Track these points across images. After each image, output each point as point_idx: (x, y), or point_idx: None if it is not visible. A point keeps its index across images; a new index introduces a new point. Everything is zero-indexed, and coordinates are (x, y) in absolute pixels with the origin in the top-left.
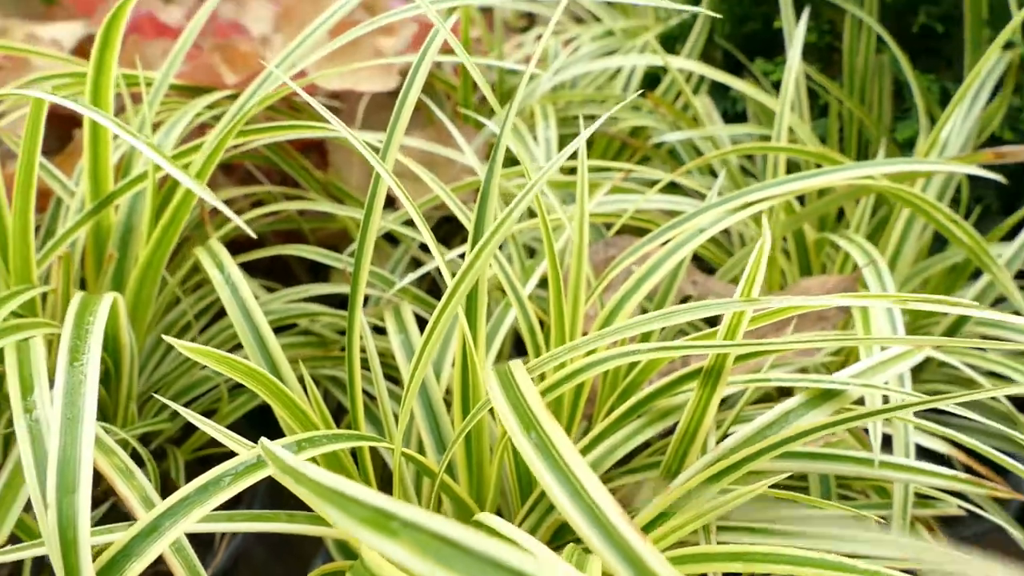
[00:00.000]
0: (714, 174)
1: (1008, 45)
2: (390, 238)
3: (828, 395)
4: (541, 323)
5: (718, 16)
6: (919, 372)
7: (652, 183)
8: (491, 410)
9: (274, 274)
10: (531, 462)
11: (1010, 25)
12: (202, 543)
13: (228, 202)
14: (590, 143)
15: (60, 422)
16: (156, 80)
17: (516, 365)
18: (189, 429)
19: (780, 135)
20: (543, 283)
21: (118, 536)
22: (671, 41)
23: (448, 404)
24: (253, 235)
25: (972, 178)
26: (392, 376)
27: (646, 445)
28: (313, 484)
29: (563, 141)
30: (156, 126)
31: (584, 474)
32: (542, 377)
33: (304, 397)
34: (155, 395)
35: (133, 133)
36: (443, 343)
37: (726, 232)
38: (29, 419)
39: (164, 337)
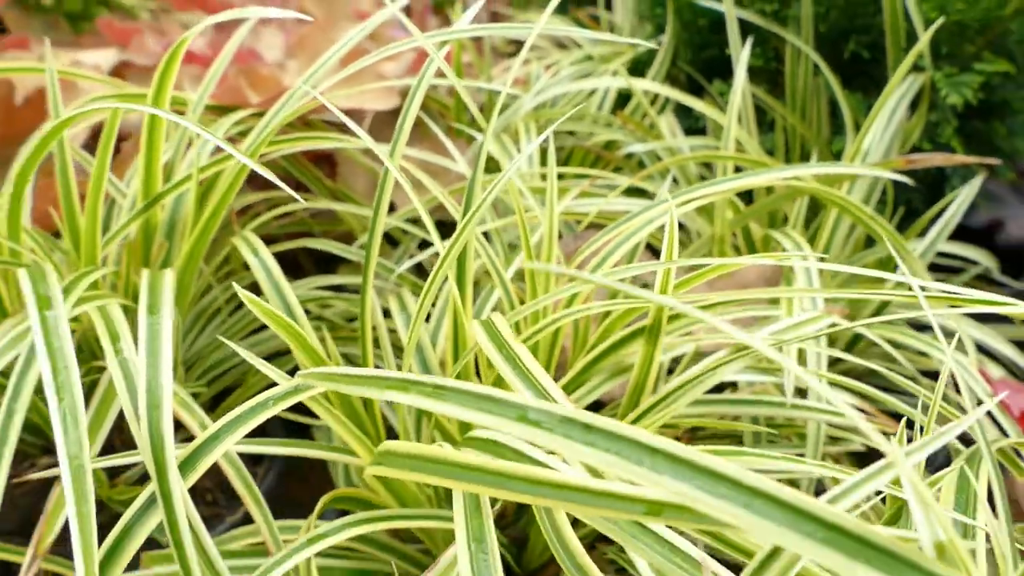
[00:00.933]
0: (676, 181)
1: (920, 69)
2: (390, 240)
3: (747, 350)
4: (521, 302)
5: (681, 44)
6: (851, 350)
7: (608, 186)
8: (476, 369)
9: (284, 270)
10: (506, 376)
11: (913, 51)
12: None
13: (249, 206)
14: (569, 154)
15: (145, 357)
16: (193, 100)
17: (497, 316)
18: (216, 401)
19: (728, 145)
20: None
21: (190, 446)
22: (640, 66)
23: (443, 366)
24: (281, 231)
25: (898, 184)
26: (400, 352)
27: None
28: (357, 378)
29: (544, 152)
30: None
31: (543, 378)
32: (518, 330)
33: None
34: (221, 338)
35: (221, 139)
36: (437, 322)
37: (684, 228)
38: (119, 358)
39: (240, 291)
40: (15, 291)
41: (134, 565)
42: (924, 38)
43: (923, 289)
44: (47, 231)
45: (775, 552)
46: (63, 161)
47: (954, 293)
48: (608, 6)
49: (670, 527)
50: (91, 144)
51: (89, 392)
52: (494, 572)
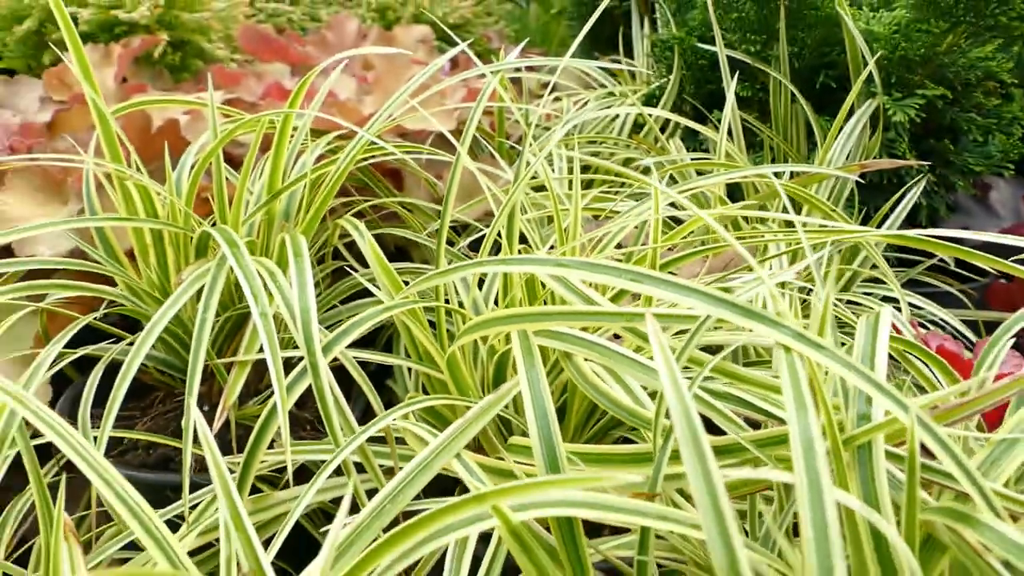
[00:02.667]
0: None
1: (874, 95)
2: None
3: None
4: None
5: (686, 81)
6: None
7: (632, 194)
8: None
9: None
10: (554, 287)
11: (859, 79)
12: None
13: (331, 210)
14: (595, 169)
15: (296, 281)
16: (300, 125)
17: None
18: None
19: (720, 155)
20: None
21: (326, 339)
22: (653, 100)
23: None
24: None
25: (863, 188)
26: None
27: None
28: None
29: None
30: (301, 152)
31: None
32: None
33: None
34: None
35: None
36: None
37: (681, 221)
38: (277, 285)
39: (360, 233)
40: (186, 252)
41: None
42: (866, 69)
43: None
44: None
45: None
46: (218, 164)
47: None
48: (629, 54)
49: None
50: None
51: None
52: (543, 390)
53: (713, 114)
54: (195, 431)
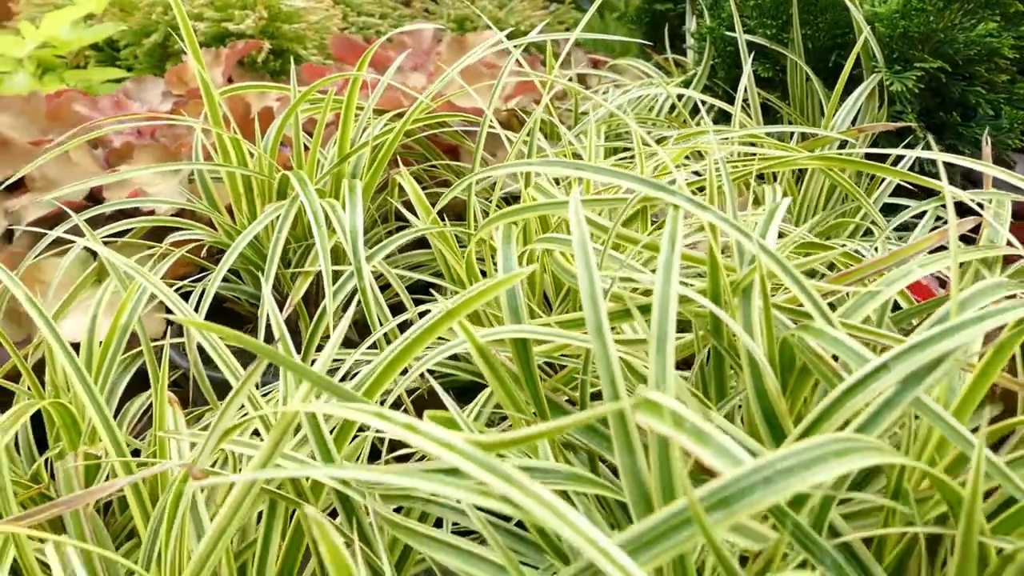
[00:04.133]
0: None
1: (877, 70)
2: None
3: None
4: None
5: (717, 66)
6: None
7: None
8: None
9: None
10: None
11: (853, 51)
12: None
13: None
14: (622, 143)
15: (349, 212)
16: (367, 105)
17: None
18: None
19: (735, 125)
20: None
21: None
22: (687, 84)
23: None
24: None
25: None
26: None
27: None
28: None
29: (614, 148)
30: (367, 128)
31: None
32: None
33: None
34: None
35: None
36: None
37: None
38: (336, 215)
39: (406, 183)
40: (270, 199)
41: None
42: (860, 40)
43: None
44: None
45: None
46: (297, 131)
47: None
48: (682, 53)
49: None
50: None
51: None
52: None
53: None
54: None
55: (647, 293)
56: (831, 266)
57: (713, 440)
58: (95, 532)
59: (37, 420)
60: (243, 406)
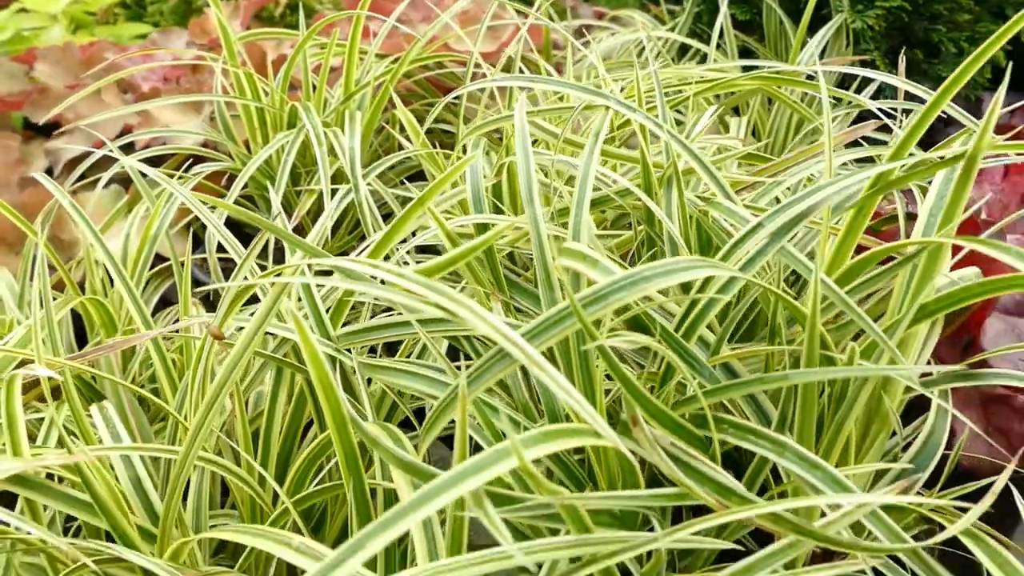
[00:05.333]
0: None
1: (841, 11)
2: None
3: None
4: None
5: (703, 12)
6: None
7: None
8: None
9: None
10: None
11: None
12: None
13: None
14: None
15: (354, 137)
16: (370, 50)
17: None
18: None
19: (710, 61)
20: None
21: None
22: (671, 30)
23: None
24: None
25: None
26: None
27: None
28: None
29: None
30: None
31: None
32: None
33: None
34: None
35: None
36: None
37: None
38: (346, 146)
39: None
40: (280, 126)
41: None
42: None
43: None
44: None
45: None
46: (305, 70)
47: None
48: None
49: None
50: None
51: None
52: (479, 160)
53: (723, 38)
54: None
55: (602, 200)
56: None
57: (600, 264)
58: (132, 408)
59: (79, 328)
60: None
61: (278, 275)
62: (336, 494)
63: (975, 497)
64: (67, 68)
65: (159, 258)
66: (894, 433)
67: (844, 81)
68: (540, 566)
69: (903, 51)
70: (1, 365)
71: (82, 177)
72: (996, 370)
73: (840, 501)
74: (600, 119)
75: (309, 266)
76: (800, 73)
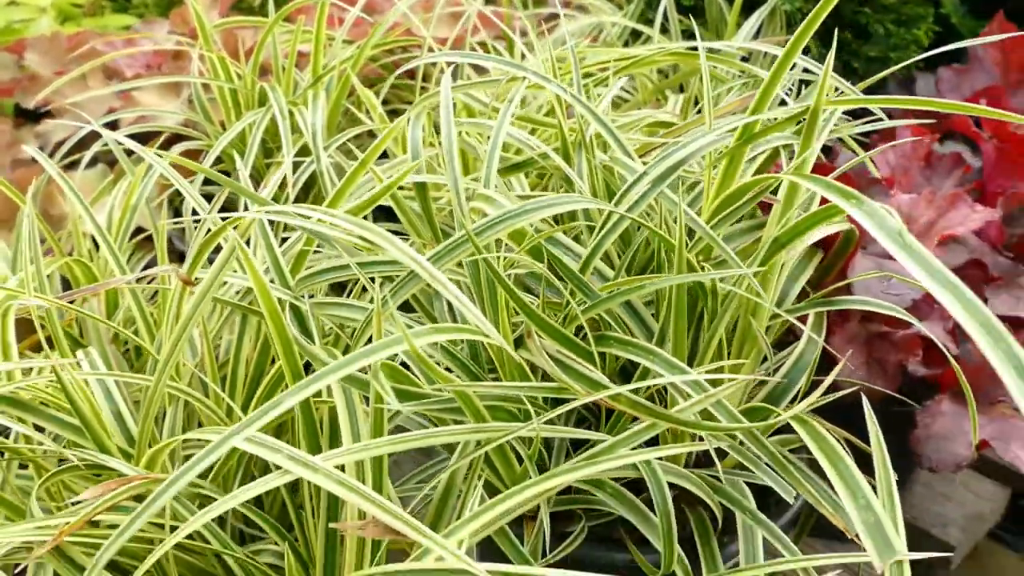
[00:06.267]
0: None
1: None
2: None
3: None
4: None
5: None
6: None
7: None
8: None
9: None
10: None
11: None
12: None
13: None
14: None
15: (310, 114)
16: (337, 36)
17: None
18: None
19: (653, 42)
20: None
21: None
22: (624, 16)
23: None
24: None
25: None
26: None
27: None
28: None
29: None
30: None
31: None
32: None
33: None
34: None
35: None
36: None
37: (623, 98)
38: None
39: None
40: (252, 106)
41: None
42: None
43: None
44: None
45: None
46: (275, 54)
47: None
48: None
49: None
50: None
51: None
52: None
53: (669, 23)
54: None
55: (527, 163)
56: None
57: (498, 202)
58: (114, 355)
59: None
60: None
61: (235, 227)
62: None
63: (833, 411)
64: (55, 57)
65: (141, 232)
66: (766, 359)
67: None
68: (453, 448)
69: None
70: None
71: (70, 157)
72: (855, 297)
73: (678, 381)
74: (516, 89)
75: (267, 216)
76: (724, 51)
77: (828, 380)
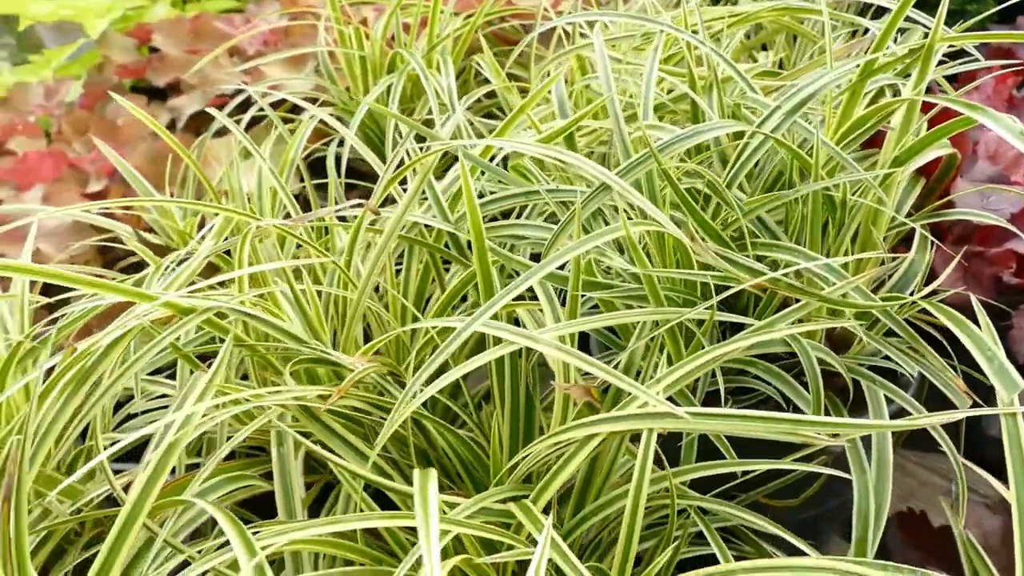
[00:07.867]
0: None
1: None
2: None
3: None
4: None
5: None
6: None
7: None
8: None
9: None
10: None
11: None
12: None
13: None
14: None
15: (445, 78)
16: (446, 9)
17: None
18: None
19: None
20: None
21: None
22: None
23: None
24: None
25: None
26: None
27: None
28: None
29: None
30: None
31: None
32: None
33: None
34: None
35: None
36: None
37: None
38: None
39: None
40: (379, 73)
41: None
42: None
43: None
44: None
45: None
46: (398, 25)
47: None
48: None
49: None
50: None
51: None
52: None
53: None
54: None
55: (659, 107)
56: None
57: (667, 128)
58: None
59: None
60: None
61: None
62: None
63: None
64: (179, 38)
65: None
66: (883, 263)
67: (863, 11)
68: (635, 327)
69: None
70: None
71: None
72: (959, 209)
73: (819, 269)
74: (656, 39)
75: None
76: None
77: (936, 283)
